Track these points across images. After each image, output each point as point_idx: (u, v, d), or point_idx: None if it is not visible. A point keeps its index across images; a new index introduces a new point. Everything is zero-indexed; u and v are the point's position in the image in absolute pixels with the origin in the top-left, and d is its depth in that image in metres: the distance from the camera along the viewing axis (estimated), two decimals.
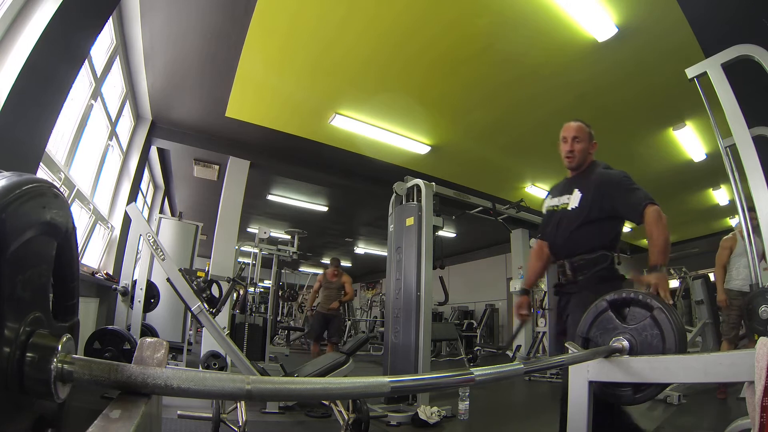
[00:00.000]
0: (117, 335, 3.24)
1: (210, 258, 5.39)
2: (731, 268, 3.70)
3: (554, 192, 2.04)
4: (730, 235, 3.84)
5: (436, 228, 3.64)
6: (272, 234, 5.61)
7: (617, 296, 1.47)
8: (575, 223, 1.84)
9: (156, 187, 7.44)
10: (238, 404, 2.43)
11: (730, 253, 3.72)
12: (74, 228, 0.59)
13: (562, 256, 1.90)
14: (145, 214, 6.89)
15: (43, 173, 2.76)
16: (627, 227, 7.55)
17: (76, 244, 0.62)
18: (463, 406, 3.20)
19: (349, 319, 11.02)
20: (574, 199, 1.89)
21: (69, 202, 3.07)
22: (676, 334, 1.32)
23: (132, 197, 4.77)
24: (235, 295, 4.74)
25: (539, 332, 6.54)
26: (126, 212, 3.62)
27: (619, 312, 1.46)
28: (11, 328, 0.46)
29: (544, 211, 2.07)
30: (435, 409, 3.04)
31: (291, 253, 5.75)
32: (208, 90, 4.54)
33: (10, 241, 0.44)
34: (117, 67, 3.94)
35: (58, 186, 2.83)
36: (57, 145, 3.00)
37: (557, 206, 1.97)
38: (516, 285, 7.99)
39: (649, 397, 1.39)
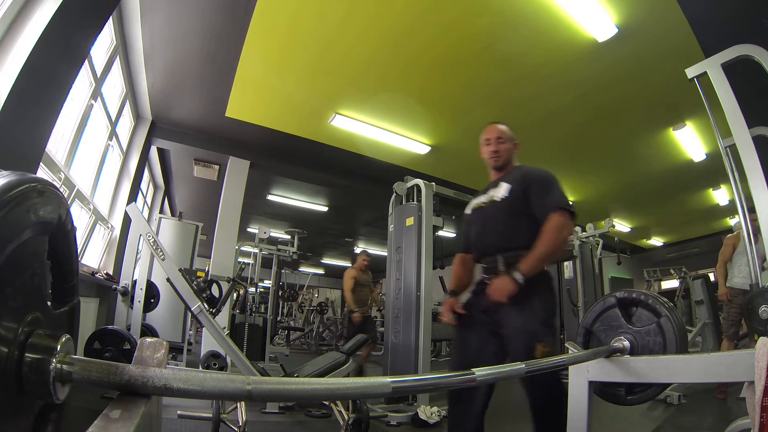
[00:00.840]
0: (117, 335, 3.24)
1: (210, 258, 5.39)
2: (733, 265, 3.69)
3: (478, 195, 1.94)
4: (734, 232, 3.85)
5: (436, 228, 3.64)
6: (272, 234, 5.62)
7: (628, 295, 1.46)
8: (506, 214, 1.72)
9: (156, 187, 7.44)
10: (238, 404, 2.43)
11: (733, 250, 3.72)
12: (68, 213, 0.59)
13: (493, 251, 1.71)
14: (145, 214, 6.89)
15: (43, 173, 2.76)
16: (627, 227, 7.58)
17: (72, 228, 0.61)
18: None
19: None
20: (501, 190, 1.78)
21: (68, 201, 3.07)
22: (678, 344, 1.32)
23: (132, 197, 4.77)
24: (235, 295, 4.75)
25: None
26: (126, 212, 3.62)
27: (626, 311, 1.45)
28: (10, 328, 0.46)
29: (468, 211, 1.93)
30: (435, 409, 3.04)
31: (291, 253, 5.75)
32: (208, 90, 4.54)
33: (7, 243, 0.44)
34: (117, 67, 3.94)
35: (58, 185, 2.83)
36: (57, 145, 3.00)
37: (484, 202, 1.84)
38: None
39: (650, 397, 1.39)
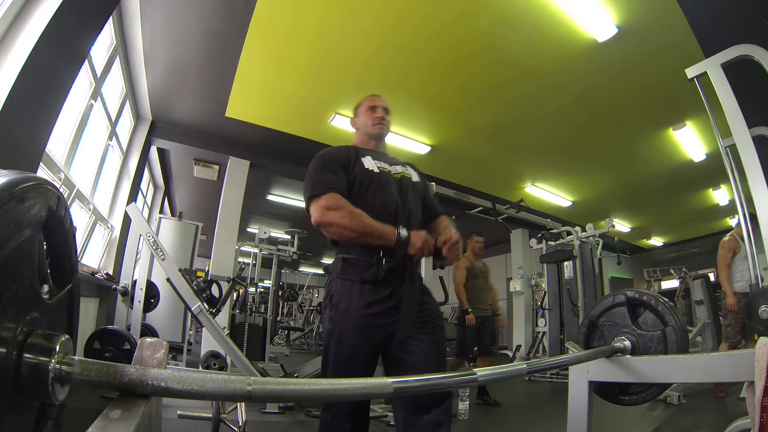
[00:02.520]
0: (117, 335, 3.23)
1: (210, 258, 5.39)
2: (734, 270, 3.63)
3: (367, 156, 1.52)
4: (728, 237, 3.81)
5: None
6: (272, 234, 5.61)
7: (638, 296, 1.46)
8: (419, 199, 1.54)
9: (156, 187, 7.44)
10: (238, 404, 2.43)
11: (733, 255, 3.65)
12: (58, 198, 0.58)
13: (414, 227, 1.43)
14: (145, 214, 6.89)
15: (43, 173, 2.76)
16: (627, 227, 7.56)
17: (67, 213, 0.61)
18: (463, 406, 3.20)
19: None
20: (412, 173, 1.59)
21: (68, 201, 3.07)
22: (678, 351, 1.31)
23: (132, 197, 4.77)
24: (235, 295, 4.74)
25: (539, 332, 6.54)
26: (126, 212, 3.62)
27: (633, 311, 1.45)
28: (8, 328, 0.45)
29: (369, 168, 1.47)
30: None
31: (291, 253, 5.75)
32: (208, 90, 4.54)
33: (6, 243, 0.44)
34: (117, 67, 3.94)
35: (58, 186, 2.83)
36: (57, 145, 3.00)
37: (397, 173, 1.53)
38: (516, 285, 8.01)
39: (650, 397, 1.38)
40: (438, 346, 1.37)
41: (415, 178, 1.58)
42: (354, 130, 1.72)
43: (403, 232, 1.30)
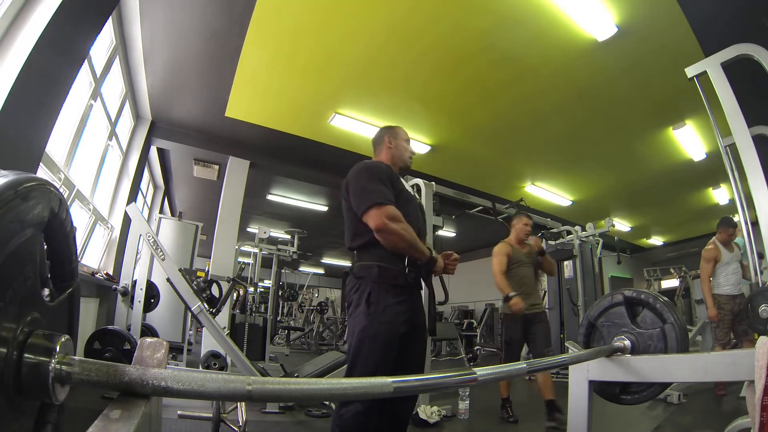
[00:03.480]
0: (117, 335, 3.23)
1: (210, 258, 5.39)
2: (718, 276, 3.72)
3: (403, 179, 1.94)
4: (709, 245, 3.84)
5: (436, 227, 3.63)
6: (272, 234, 5.62)
7: (636, 295, 1.46)
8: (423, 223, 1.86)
9: (156, 187, 7.43)
10: (239, 404, 2.43)
11: (714, 264, 3.74)
12: (60, 201, 0.58)
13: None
14: (145, 214, 6.89)
15: (43, 173, 2.76)
16: (627, 226, 7.55)
17: (68, 215, 0.61)
18: (464, 405, 3.20)
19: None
20: (420, 200, 1.98)
21: (68, 201, 3.07)
22: (678, 350, 1.31)
23: (132, 197, 4.77)
24: (235, 295, 4.74)
25: None
26: (126, 212, 3.62)
27: (632, 310, 1.45)
28: (9, 328, 0.45)
29: (407, 190, 1.90)
30: (435, 408, 3.04)
31: (291, 253, 5.76)
32: (207, 90, 4.53)
33: (6, 243, 0.44)
34: (117, 67, 3.94)
35: (58, 186, 2.83)
36: (57, 145, 3.00)
37: (416, 197, 1.96)
38: None
39: (650, 396, 1.39)
40: (425, 344, 1.76)
41: (421, 202, 1.93)
42: (386, 147, 1.94)
43: (435, 253, 1.63)
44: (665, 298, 1.42)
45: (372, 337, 1.50)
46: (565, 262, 5.97)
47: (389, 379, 0.68)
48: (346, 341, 1.70)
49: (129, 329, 3.59)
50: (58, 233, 0.59)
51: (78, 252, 0.76)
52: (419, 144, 5.52)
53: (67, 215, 0.60)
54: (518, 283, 3.19)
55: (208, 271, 5.20)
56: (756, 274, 2.44)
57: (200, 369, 4.00)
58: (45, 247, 0.58)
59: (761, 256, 2.58)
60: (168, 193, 7.91)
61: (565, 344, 1.38)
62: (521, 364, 0.96)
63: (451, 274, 1.70)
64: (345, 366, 2.91)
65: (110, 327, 3.46)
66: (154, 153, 5.95)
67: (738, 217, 2.62)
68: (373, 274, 1.57)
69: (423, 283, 1.69)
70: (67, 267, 0.63)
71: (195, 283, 2.94)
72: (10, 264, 0.45)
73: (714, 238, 3.86)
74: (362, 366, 1.50)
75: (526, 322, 3.13)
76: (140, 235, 3.39)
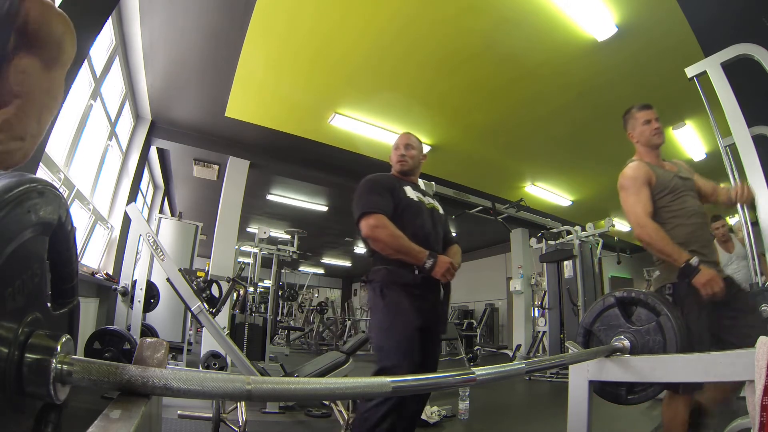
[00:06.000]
0: (117, 335, 3.24)
1: (210, 258, 5.39)
2: None
3: (407, 186, 1.87)
4: None
5: None
6: (272, 234, 5.61)
7: (627, 294, 1.47)
8: (441, 229, 1.88)
9: (156, 187, 7.44)
10: (239, 404, 2.43)
11: None
12: (68, 214, 0.59)
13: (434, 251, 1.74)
14: (145, 214, 6.89)
15: (42, 173, 2.76)
16: (627, 226, 7.54)
17: (72, 229, 0.62)
18: (464, 405, 3.20)
19: (348, 319, 11.03)
20: (439, 207, 1.97)
21: (68, 201, 3.07)
22: (678, 344, 1.32)
23: (132, 197, 4.77)
24: (235, 295, 4.74)
25: (539, 331, 6.54)
26: (126, 212, 3.62)
27: (625, 310, 1.46)
28: (10, 329, 0.45)
29: (412, 197, 1.83)
30: (435, 408, 3.04)
31: (291, 253, 5.75)
32: (207, 90, 4.54)
33: (7, 243, 0.44)
34: (116, 67, 3.94)
35: (58, 186, 2.83)
36: (56, 145, 3.00)
37: (429, 203, 1.90)
38: (516, 285, 8.01)
39: (650, 396, 1.39)
40: (438, 345, 1.85)
41: (440, 210, 1.94)
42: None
43: (429, 263, 1.63)
44: (655, 293, 1.44)
45: (388, 329, 1.61)
46: (565, 262, 5.97)
47: (388, 379, 0.68)
48: (370, 342, 1.82)
49: (129, 329, 3.59)
50: (63, 241, 0.59)
51: (78, 254, 0.76)
52: None
53: (71, 228, 0.61)
54: (687, 231, 1.77)
55: (208, 271, 5.20)
56: (756, 274, 2.44)
57: (200, 369, 4.00)
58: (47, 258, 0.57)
59: (762, 255, 2.57)
60: (168, 193, 7.91)
61: (565, 344, 1.38)
62: (520, 364, 0.96)
63: (443, 280, 1.71)
64: (345, 366, 2.93)
65: (110, 327, 3.46)
66: (154, 153, 5.95)
67: (738, 217, 2.62)
68: (381, 275, 1.70)
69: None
70: (67, 283, 0.63)
71: (195, 283, 2.94)
72: (11, 264, 0.45)
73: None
74: (388, 358, 1.57)
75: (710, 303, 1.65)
76: (140, 235, 3.39)
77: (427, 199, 1.93)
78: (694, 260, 1.61)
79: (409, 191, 1.86)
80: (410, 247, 1.64)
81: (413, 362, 1.54)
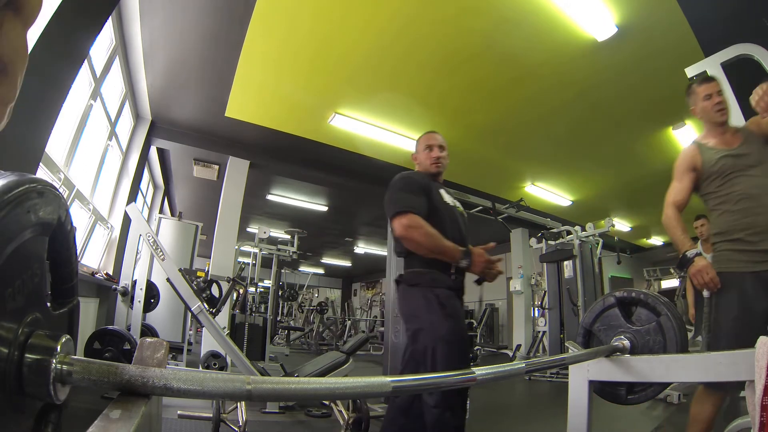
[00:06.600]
0: (117, 335, 3.24)
1: (210, 258, 5.39)
2: None
3: (442, 189, 1.87)
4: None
5: None
6: (272, 234, 5.61)
7: (627, 294, 1.47)
8: (465, 232, 1.86)
9: (156, 187, 7.44)
10: (239, 404, 2.44)
11: None
12: (68, 214, 0.59)
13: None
14: (145, 214, 6.89)
15: (42, 173, 2.76)
16: (627, 226, 7.55)
17: (72, 229, 0.61)
18: None
19: (348, 319, 11.03)
20: (461, 210, 1.94)
21: (68, 201, 3.07)
22: (678, 344, 1.32)
23: (132, 197, 4.77)
24: (235, 295, 4.74)
25: (539, 331, 6.54)
26: (126, 212, 3.62)
27: (625, 310, 1.46)
28: (10, 329, 0.45)
29: (447, 201, 1.84)
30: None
31: (291, 253, 5.75)
32: (207, 90, 4.54)
33: (7, 244, 0.44)
34: (116, 67, 3.94)
35: (58, 186, 2.83)
36: (57, 145, 3.00)
37: (457, 207, 1.90)
38: (516, 285, 8.01)
39: (650, 396, 1.39)
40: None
41: (464, 211, 1.94)
42: (415, 163, 1.99)
43: (465, 261, 1.61)
44: (655, 293, 1.43)
45: (449, 341, 1.53)
46: (565, 262, 5.97)
47: (387, 379, 0.68)
48: (414, 348, 1.59)
49: (129, 329, 3.59)
50: (63, 242, 0.59)
51: (78, 258, 0.76)
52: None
53: (71, 229, 0.61)
54: (731, 219, 1.65)
55: (208, 271, 5.20)
56: None
57: (200, 369, 4.00)
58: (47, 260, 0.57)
59: None
60: (168, 193, 7.91)
61: (565, 344, 1.38)
62: (520, 364, 0.96)
63: (489, 281, 1.69)
64: (345, 366, 2.93)
65: (110, 327, 3.47)
66: (154, 153, 5.95)
67: None
68: (426, 279, 1.64)
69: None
70: (67, 282, 0.63)
71: (195, 283, 2.94)
72: (11, 264, 0.45)
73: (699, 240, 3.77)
74: (450, 355, 1.51)
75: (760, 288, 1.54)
76: (140, 235, 3.39)
77: (456, 202, 1.91)
78: (691, 252, 1.68)
79: (445, 195, 1.83)
80: (446, 246, 1.60)
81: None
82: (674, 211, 1.81)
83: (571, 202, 7.72)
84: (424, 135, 1.99)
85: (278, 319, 9.32)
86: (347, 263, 15.07)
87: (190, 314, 3.31)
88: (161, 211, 7.59)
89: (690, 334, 4.75)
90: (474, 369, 0.82)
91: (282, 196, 7.85)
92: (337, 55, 3.92)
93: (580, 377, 1.37)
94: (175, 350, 4.86)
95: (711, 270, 1.64)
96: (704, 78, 1.89)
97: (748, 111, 2.27)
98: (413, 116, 4.96)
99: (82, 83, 3.19)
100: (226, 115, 4.91)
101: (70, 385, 0.50)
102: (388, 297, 3.76)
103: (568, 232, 5.97)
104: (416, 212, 1.62)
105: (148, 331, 4.27)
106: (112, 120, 4.14)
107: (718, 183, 1.72)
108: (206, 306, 2.83)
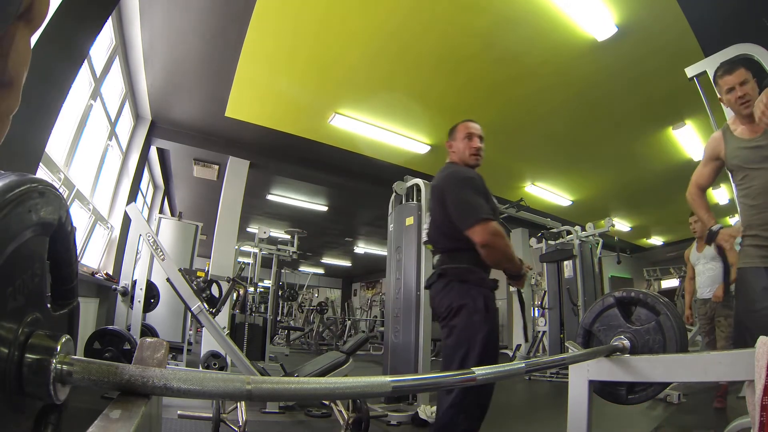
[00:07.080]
0: (117, 335, 3.24)
1: (210, 258, 5.39)
2: (701, 277, 3.51)
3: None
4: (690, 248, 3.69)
5: None
6: (272, 234, 5.61)
7: (626, 294, 1.47)
8: None
9: (156, 187, 7.44)
10: (239, 404, 2.43)
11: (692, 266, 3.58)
12: (68, 214, 0.59)
13: None
14: (145, 214, 6.89)
15: (42, 173, 2.76)
16: (627, 226, 7.56)
17: (72, 229, 0.62)
18: None
19: (348, 319, 11.03)
20: None
21: (68, 201, 3.07)
22: (678, 343, 1.32)
23: (132, 197, 4.77)
24: (235, 295, 4.74)
25: (539, 331, 6.54)
26: (126, 212, 3.62)
27: (625, 310, 1.46)
28: (10, 329, 0.45)
29: (496, 203, 1.86)
30: (435, 408, 3.04)
31: (291, 253, 5.75)
32: (207, 90, 4.54)
33: (7, 244, 0.44)
34: (116, 67, 3.94)
35: (58, 186, 2.83)
36: (56, 145, 3.00)
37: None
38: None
39: (650, 396, 1.39)
40: None
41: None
42: (450, 152, 1.89)
43: (523, 272, 1.70)
44: (654, 293, 1.43)
45: (489, 342, 1.54)
46: (565, 262, 5.97)
47: (387, 378, 0.68)
48: (453, 346, 1.55)
49: (129, 329, 3.59)
50: (63, 242, 0.59)
51: (78, 258, 0.76)
52: (419, 144, 5.52)
53: (71, 229, 0.61)
54: (749, 215, 1.66)
55: (208, 271, 5.20)
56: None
57: (200, 369, 4.00)
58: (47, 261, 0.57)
59: None
60: (168, 193, 7.91)
61: (565, 344, 1.38)
62: (520, 364, 0.96)
63: (520, 287, 1.80)
64: (345, 366, 2.93)
65: (110, 327, 3.47)
66: (154, 153, 5.95)
67: (738, 217, 2.62)
68: (478, 278, 1.64)
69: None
70: (68, 283, 0.63)
71: (195, 283, 2.94)
72: (11, 264, 0.45)
73: (695, 241, 3.75)
74: (487, 357, 1.52)
75: None
76: (140, 235, 3.39)
77: None
78: (715, 227, 1.75)
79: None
80: (515, 256, 1.66)
81: None
82: (697, 191, 1.89)
83: (571, 202, 7.72)
84: (463, 123, 1.89)
85: (278, 319, 9.32)
86: (347, 263, 15.07)
87: (190, 314, 3.32)
88: (161, 211, 7.59)
89: (690, 334, 4.75)
90: (474, 369, 0.82)
91: (282, 196, 7.85)
92: (338, 55, 3.92)
93: (580, 377, 1.37)
94: (175, 350, 4.86)
95: (735, 231, 1.71)
96: (726, 69, 1.77)
97: None
98: (413, 116, 4.96)
99: (82, 83, 3.19)
100: (226, 115, 4.91)
101: (70, 385, 0.50)
102: (388, 297, 3.76)
103: (568, 232, 5.97)
104: (494, 219, 1.61)
105: (148, 331, 4.27)
106: (112, 120, 4.14)
107: (740, 176, 1.72)
108: (206, 306, 2.83)
